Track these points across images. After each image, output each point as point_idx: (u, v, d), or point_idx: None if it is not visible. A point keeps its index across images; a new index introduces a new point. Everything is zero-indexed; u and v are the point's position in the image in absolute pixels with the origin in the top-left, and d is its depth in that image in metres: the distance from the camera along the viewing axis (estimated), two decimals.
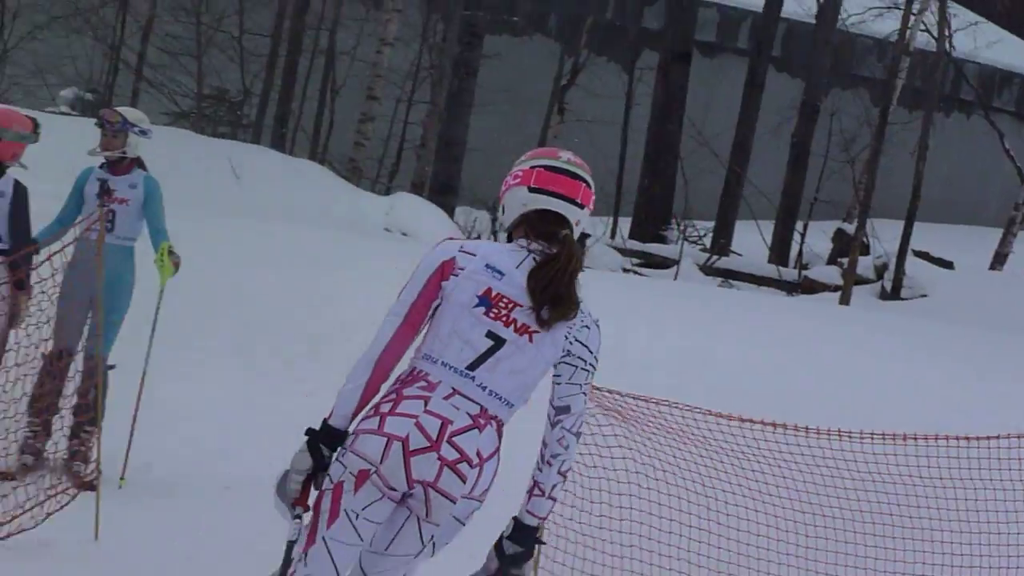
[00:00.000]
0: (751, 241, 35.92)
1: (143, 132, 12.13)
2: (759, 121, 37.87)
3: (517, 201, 6.65)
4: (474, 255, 6.56)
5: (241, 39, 42.54)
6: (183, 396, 14.13)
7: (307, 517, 6.35)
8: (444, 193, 32.37)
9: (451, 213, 31.21)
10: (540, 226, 6.61)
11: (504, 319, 6.48)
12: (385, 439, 6.30)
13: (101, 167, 12.13)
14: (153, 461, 12.09)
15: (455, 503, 6.39)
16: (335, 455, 6.40)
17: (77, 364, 11.77)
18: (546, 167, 6.65)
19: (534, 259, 6.51)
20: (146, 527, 10.66)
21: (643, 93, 38.59)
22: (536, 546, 6.78)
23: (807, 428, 9.29)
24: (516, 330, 6.47)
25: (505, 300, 6.49)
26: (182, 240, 12.33)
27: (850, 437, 9.43)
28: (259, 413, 13.88)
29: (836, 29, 37.52)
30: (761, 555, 10.14)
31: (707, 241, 36.08)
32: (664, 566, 10.01)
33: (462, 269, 6.51)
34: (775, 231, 35.82)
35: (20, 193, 11.52)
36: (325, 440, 6.42)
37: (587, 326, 6.58)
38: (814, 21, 37.30)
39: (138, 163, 12.16)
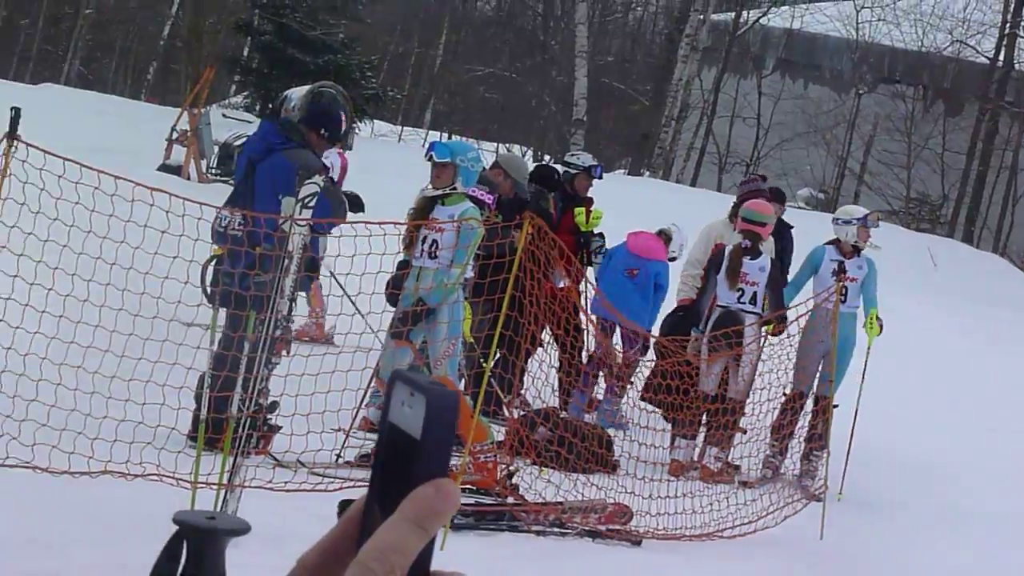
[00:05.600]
0: None
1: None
2: None
3: None
4: None
5: (943, 156, 42.00)
6: (884, 434, 13.81)
7: None
8: None
9: None
10: None
11: None
12: None
13: (835, 249, 12.10)
14: (860, 481, 11.96)
15: None
16: None
17: (809, 403, 11.88)
18: None
19: None
20: (861, 532, 10.64)
21: None
22: None
23: None
24: None
25: None
26: (885, 309, 12.28)
27: None
28: (946, 452, 13.71)
29: None
30: None
31: None
32: None
33: None
34: None
35: (775, 266, 11.86)
36: None
37: None
38: None
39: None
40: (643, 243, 13.29)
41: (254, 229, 8.84)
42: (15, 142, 7.10)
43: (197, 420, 8.45)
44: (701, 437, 11.69)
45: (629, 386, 12.10)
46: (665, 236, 13.45)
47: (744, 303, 11.60)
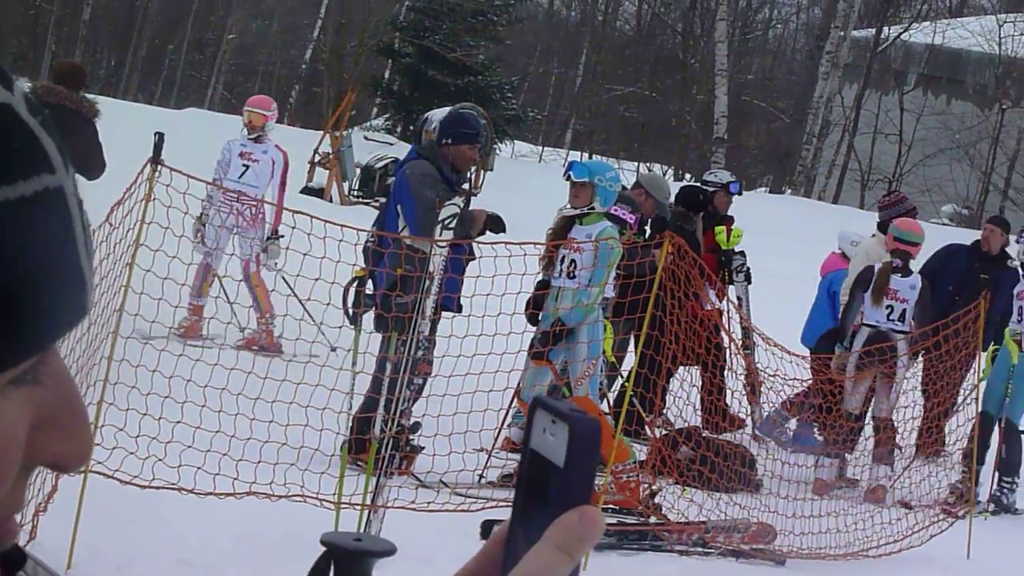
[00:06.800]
0: None
1: None
2: None
3: None
4: None
5: None
6: None
7: None
8: None
9: None
10: None
11: None
12: None
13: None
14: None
15: None
16: None
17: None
18: None
19: None
20: (1008, 549, 10.46)
21: None
22: None
23: None
24: None
25: None
26: None
27: None
28: None
29: None
30: None
31: None
32: None
33: None
34: None
35: (925, 285, 11.74)
36: None
37: None
38: None
39: None
40: (824, 263, 13.70)
41: (393, 250, 8.92)
42: (158, 166, 7.21)
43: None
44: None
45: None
46: (841, 252, 13.70)
47: (893, 320, 11.53)
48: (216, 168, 12.90)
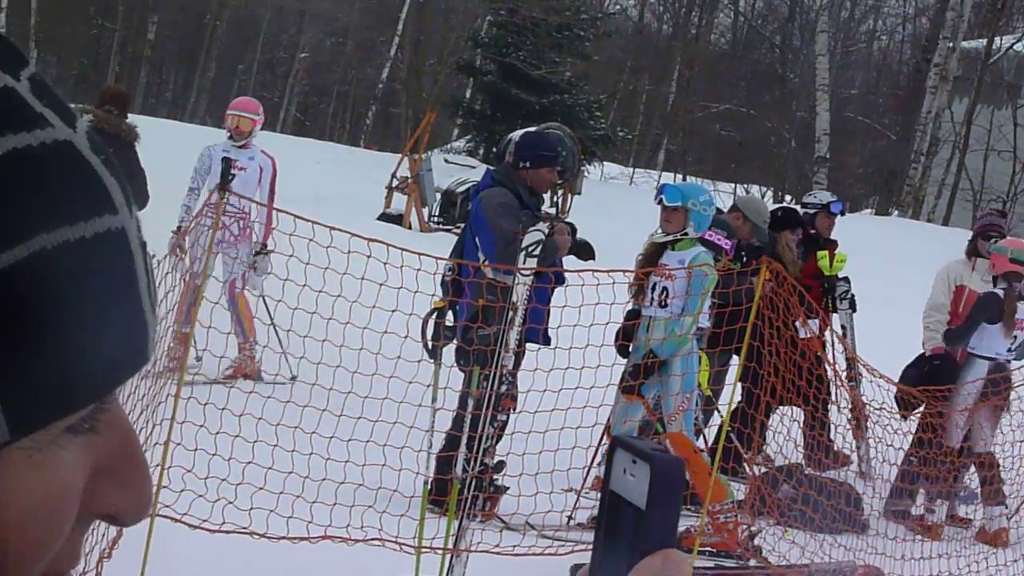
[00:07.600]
0: None
1: None
2: None
3: None
4: None
5: None
6: None
7: None
8: None
9: None
10: None
11: None
12: None
13: None
14: None
15: None
16: None
17: None
18: None
19: None
20: None
21: None
22: None
23: None
24: None
25: None
26: None
27: None
28: None
29: None
30: None
31: None
32: None
33: None
34: None
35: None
36: None
37: None
38: None
39: None
40: None
41: (474, 279, 8.93)
42: (226, 194, 7.27)
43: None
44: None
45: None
46: None
47: (1012, 350, 11.39)
48: (193, 176, 12.77)
